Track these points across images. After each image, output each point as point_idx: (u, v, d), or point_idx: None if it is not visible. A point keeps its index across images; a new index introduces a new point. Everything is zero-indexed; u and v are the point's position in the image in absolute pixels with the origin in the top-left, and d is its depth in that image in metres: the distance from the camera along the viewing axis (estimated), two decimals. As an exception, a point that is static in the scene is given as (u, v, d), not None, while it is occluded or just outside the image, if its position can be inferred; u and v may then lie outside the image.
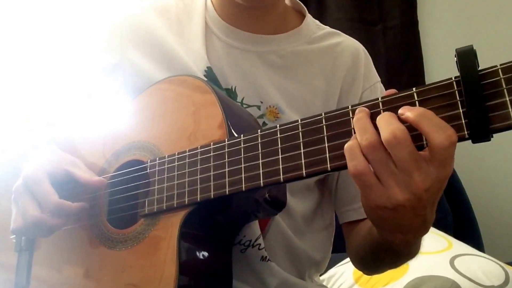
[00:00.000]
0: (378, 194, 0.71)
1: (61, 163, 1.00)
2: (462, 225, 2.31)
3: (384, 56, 2.65)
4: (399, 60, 2.66)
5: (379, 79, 1.19)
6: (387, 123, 0.69)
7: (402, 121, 0.69)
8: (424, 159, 0.68)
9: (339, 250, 1.28)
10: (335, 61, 1.15)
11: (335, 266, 1.89)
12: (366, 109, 0.73)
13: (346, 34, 1.22)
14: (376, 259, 1.02)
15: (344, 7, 2.66)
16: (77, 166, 1.01)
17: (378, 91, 1.16)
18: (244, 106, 1.09)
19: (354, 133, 0.73)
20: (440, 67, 2.67)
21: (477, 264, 1.66)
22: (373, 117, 0.71)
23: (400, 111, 0.69)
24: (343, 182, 1.14)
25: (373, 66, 1.20)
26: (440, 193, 0.73)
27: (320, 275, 1.32)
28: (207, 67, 1.10)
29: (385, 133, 0.68)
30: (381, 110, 0.72)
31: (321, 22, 1.23)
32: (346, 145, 0.72)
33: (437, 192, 0.71)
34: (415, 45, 2.68)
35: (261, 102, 1.10)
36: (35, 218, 0.94)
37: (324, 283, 1.54)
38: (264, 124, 1.09)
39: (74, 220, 1.02)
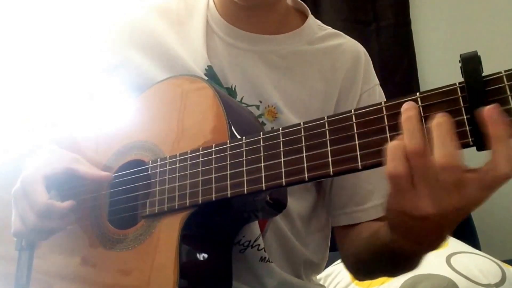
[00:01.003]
0: (408, 200, 0.69)
1: (61, 162, 1.00)
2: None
3: (377, 56, 2.67)
4: (392, 60, 2.69)
5: (378, 82, 1.19)
6: (444, 142, 0.65)
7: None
8: (468, 181, 0.66)
9: (335, 249, 1.28)
10: (335, 63, 1.14)
11: (332, 265, 1.89)
12: (416, 106, 0.69)
13: (340, 34, 1.22)
14: (376, 263, 1.01)
15: (338, 8, 2.69)
16: (80, 163, 1.01)
17: (377, 94, 1.16)
18: (243, 105, 1.09)
19: (387, 132, 0.72)
20: (433, 66, 2.69)
21: (474, 262, 1.66)
22: (379, 122, 0.71)
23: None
24: (337, 186, 1.14)
25: (372, 68, 1.19)
26: (467, 214, 0.71)
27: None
28: (208, 66, 1.10)
29: (440, 155, 0.65)
30: (385, 116, 0.72)
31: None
32: (390, 144, 0.69)
33: (466, 213, 0.70)
34: (408, 45, 2.71)
35: (260, 102, 1.10)
36: (34, 224, 0.94)
37: (321, 282, 1.55)
38: (263, 123, 1.09)
39: (75, 220, 1.02)
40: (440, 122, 0.66)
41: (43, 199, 0.94)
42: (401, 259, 0.90)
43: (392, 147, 0.68)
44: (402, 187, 0.68)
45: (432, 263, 1.65)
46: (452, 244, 1.83)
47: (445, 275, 1.57)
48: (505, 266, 1.68)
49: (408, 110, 0.69)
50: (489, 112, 0.63)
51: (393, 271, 1.03)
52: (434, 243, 0.78)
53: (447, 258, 1.68)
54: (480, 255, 1.75)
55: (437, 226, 0.71)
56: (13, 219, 0.98)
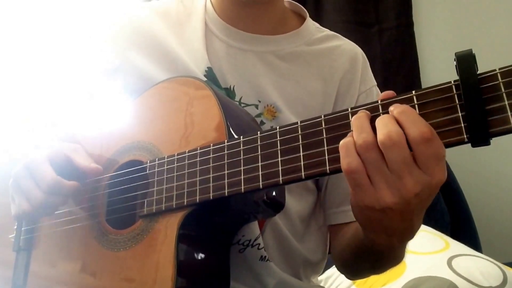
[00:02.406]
0: (367, 194, 0.71)
1: (61, 149, 1.00)
2: (459, 225, 2.31)
3: (380, 57, 2.67)
4: (394, 61, 2.68)
5: (375, 83, 1.20)
6: (384, 125, 0.69)
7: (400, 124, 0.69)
8: (417, 164, 0.69)
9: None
10: (333, 64, 1.15)
11: (333, 267, 1.89)
12: (367, 111, 0.73)
13: (342, 36, 1.23)
14: (358, 261, 1.03)
15: (340, 9, 2.68)
16: (77, 152, 1.00)
17: (374, 95, 1.17)
18: (242, 105, 1.10)
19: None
20: (435, 68, 2.69)
21: (475, 264, 1.66)
22: (372, 120, 0.72)
23: (390, 107, 0.70)
24: (333, 184, 1.14)
25: (370, 70, 1.20)
26: (429, 201, 0.73)
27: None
28: (208, 68, 1.10)
29: (381, 134, 0.69)
30: (381, 114, 0.72)
31: (315, 22, 1.23)
32: (341, 142, 0.72)
33: (427, 198, 0.72)
34: (410, 46, 2.71)
35: (259, 101, 1.10)
36: (41, 201, 0.94)
37: (322, 284, 1.55)
38: (262, 123, 1.09)
39: (73, 219, 1.02)
40: (382, 116, 0.71)
41: (51, 175, 0.94)
42: (378, 255, 0.91)
43: (344, 144, 0.72)
44: (360, 183, 0.71)
45: (433, 265, 1.65)
46: (453, 246, 1.82)
47: (446, 277, 1.56)
48: (506, 269, 1.67)
49: (359, 113, 0.73)
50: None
51: (376, 268, 1.05)
52: (405, 234, 0.80)
53: (448, 260, 1.68)
54: (481, 257, 1.74)
55: (403, 215, 0.73)
56: (16, 201, 0.97)
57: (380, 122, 0.70)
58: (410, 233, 0.80)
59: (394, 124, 0.69)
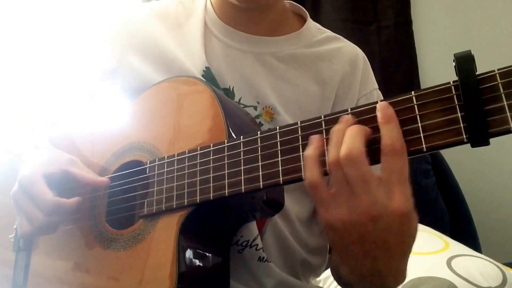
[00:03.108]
0: (328, 210, 0.72)
1: (58, 163, 1.00)
2: (459, 225, 2.31)
3: (378, 56, 2.66)
4: (393, 60, 2.67)
5: (376, 86, 1.19)
6: (350, 138, 0.70)
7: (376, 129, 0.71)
8: (376, 181, 0.69)
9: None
10: (332, 66, 1.15)
11: (332, 267, 1.89)
12: (350, 119, 0.73)
13: (341, 34, 1.23)
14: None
15: (338, 8, 2.68)
16: (76, 165, 1.01)
17: (375, 98, 1.16)
18: (241, 106, 1.10)
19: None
20: (434, 66, 2.68)
21: (474, 265, 1.66)
22: (372, 121, 0.72)
23: (377, 106, 0.72)
24: None
25: (371, 73, 1.20)
26: (392, 238, 0.72)
27: (316, 276, 1.32)
28: (206, 67, 1.10)
29: (342, 150, 0.70)
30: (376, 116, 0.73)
31: (315, 22, 1.23)
32: (305, 154, 0.73)
33: (386, 230, 0.71)
34: (409, 45, 2.70)
35: (258, 103, 1.10)
36: (42, 222, 0.95)
37: (321, 284, 1.54)
38: (260, 124, 1.09)
39: (73, 220, 1.03)
40: (353, 126, 0.71)
41: (49, 197, 0.94)
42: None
43: (308, 157, 0.73)
44: (320, 198, 0.72)
45: (433, 265, 1.65)
46: (453, 246, 1.83)
47: (446, 277, 1.56)
48: (506, 269, 1.68)
49: (340, 122, 0.73)
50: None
51: None
52: (373, 280, 0.78)
53: (448, 260, 1.68)
54: (481, 258, 1.74)
55: (363, 245, 0.73)
56: (18, 221, 0.98)
57: (348, 134, 0.71)
58: (378, 281, 0.78)
59: (359, 138, 0.70)
